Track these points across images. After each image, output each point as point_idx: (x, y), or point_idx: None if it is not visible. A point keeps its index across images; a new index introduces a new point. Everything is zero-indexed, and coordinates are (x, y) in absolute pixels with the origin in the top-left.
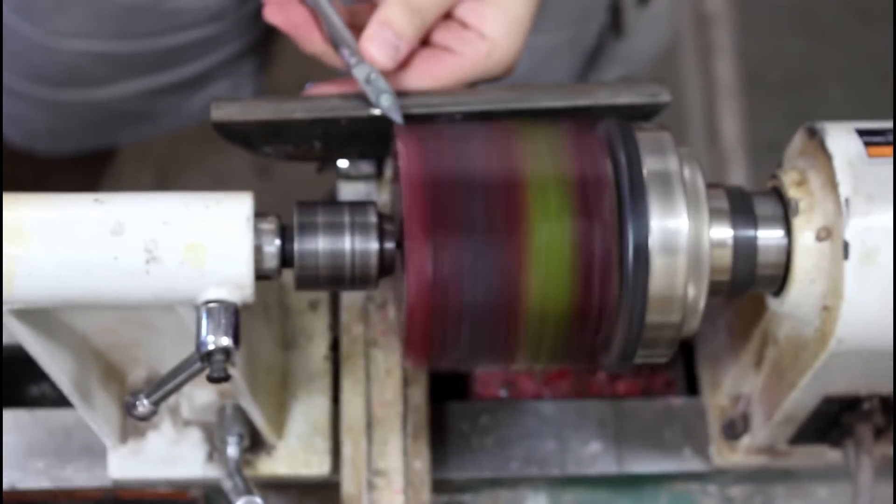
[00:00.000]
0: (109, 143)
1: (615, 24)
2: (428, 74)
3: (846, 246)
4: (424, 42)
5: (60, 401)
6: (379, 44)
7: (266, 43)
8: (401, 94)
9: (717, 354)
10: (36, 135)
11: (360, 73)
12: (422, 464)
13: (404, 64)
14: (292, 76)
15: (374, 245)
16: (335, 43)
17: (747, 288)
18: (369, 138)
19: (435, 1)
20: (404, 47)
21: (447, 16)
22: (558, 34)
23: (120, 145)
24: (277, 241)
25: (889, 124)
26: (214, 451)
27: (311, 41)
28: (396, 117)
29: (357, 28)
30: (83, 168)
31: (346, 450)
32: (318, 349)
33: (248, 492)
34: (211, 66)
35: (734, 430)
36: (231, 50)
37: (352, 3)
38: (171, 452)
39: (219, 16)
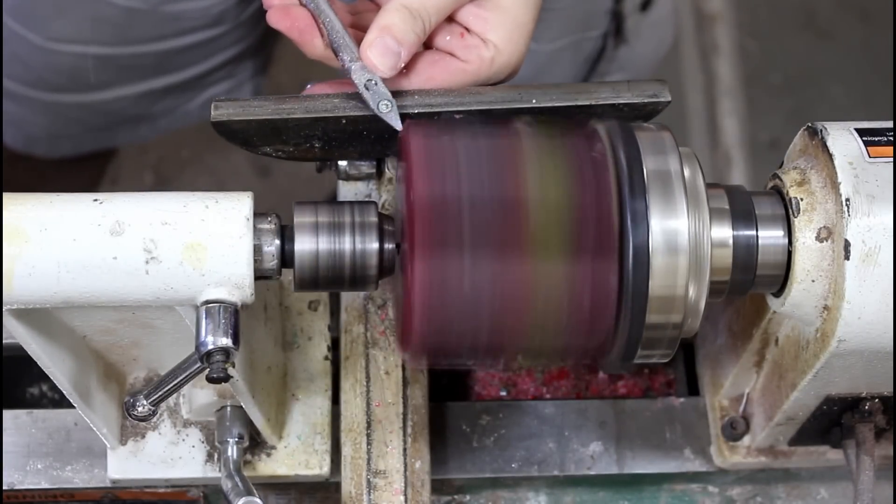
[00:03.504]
0: (108, 146)
1: (617, 30)
2: (431, 80)
3: (847, 246)
4: (427, 45)
5: (60, 401)
6: (380, 51)
7: (265, 46)
8: (401, 92)
9: (717, 354)
10: (34, 138)
11: (359, 78)
12: (422, 464)
13: (407, 68)
14: (292, 76)
15: (374, 245)
16: (335, 49)
17: (748, 288)
18: (369, 138)
19: (437, 6)
20: (405, 54)
21: (449, 18)
22: (560, 40)
23: (118, 147)
24: (277, 241)
25: (889, 124)
26: (214, 451)
27: (314, 46)
28: (396, 124)
29: (360, 28)
30: (82, 169)
31: (346, 450)
32: (318, 349)
33: (248, 492)
34: (210, 69)
35: (735, 430)
36: (230, 53)
37: (352, 0)
38: (171, 453)
39: (218, 20)
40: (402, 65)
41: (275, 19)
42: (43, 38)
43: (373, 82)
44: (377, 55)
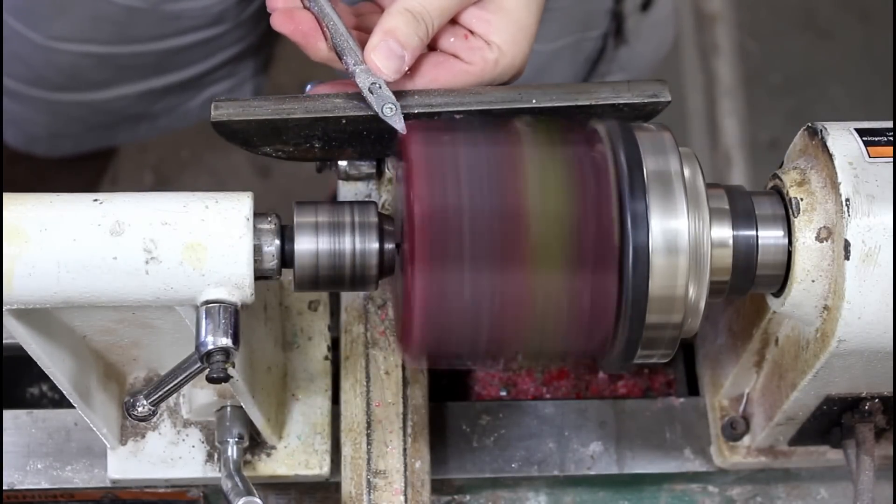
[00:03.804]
0: (108, 145)
1: (617, 30)
2: (435, 82)
3: (847, 246)
4: (431, 46)
5: (60, 401)
6: (384, 54)
7: (265, 45)
8: (402, 92)
9: (717, 354)
10: (35, 137)
11: (363, 82)
12: (422, 464)
13: (411, 70)
14: (293, 76)
15: (374, 245)
16: (339, 52)
17: (748, 288)
18: (369, 138)
19: (440, 9)
20: (409, 57)
21: (453, 21)
22: (560, 40)
23: (118, 146)
24: (277, 241)
25: (889, 124)
26: (214, 451)
27: (317, 49)
28: (400, 127)
29: (363, 31)
30: (82, 169)
31: (346, 450)
32: (318, 349)
33: (248, 492)
34: (210, 68)
35: (735, 430)
36: (230, 53)
37: (355, 2)
38: (171, 453)
39: (218, 19)
40: (406, 68)
41: (279, 23)
42: (43, 36)
43: (377, 86)
44: (381, 59)
